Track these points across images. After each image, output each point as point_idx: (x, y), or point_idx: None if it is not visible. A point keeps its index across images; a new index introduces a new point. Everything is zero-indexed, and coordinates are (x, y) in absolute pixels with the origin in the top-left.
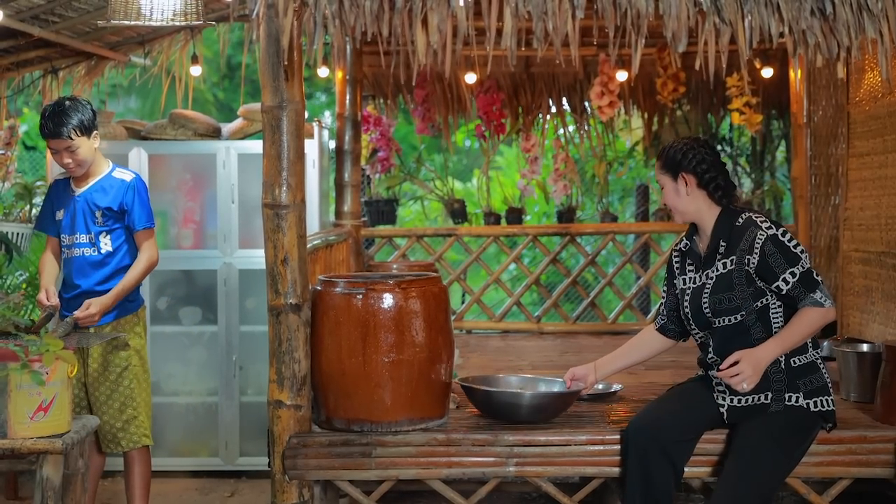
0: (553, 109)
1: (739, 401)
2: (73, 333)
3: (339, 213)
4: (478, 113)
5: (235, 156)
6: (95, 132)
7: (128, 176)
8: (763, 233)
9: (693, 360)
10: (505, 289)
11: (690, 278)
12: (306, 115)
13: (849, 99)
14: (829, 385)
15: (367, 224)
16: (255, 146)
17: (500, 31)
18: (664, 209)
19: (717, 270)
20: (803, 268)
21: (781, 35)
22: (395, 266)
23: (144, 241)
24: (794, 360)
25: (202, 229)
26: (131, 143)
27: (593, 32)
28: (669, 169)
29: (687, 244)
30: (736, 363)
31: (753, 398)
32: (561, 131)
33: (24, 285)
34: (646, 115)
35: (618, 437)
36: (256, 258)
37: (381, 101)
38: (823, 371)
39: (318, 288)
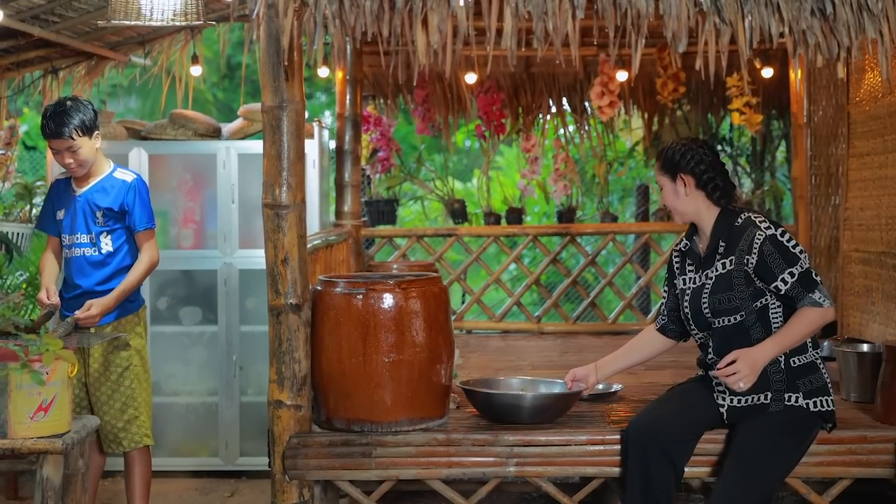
0: (553, 109)
1: (739, 401)
2: (74, 333)
3: (339, 214)
4: (478, 113)
5: (236, 156)
6: (97, 132)
7: (129, 177)
8: (762, 233)
9: (693, 361)
10: (505, 289)
11: (690, 278)
12: (306, 115)
13: (849, 99)
14: (829, 385)
15: (367, 224)
16: (256, 146)
17: (500, 31)
18: (664, 209)
19: (717, 271)
20: (802, 268)
21: (781, 35)
22: (395, 266)
23: (145, 241)
24: (793, 361)
25: (202, 229)
26: (131, 143)
27: (593, 32)
28: (668, 170)
29: (687, 244)
30: (733, 362)
31: (753, 398)
32: (561, 131)
33: (24, 285)
34: (646, 116)
35: (618, 437)
36: (257, 258)
37: (382, 101)
38: (823, 371)
39: (319, 288)
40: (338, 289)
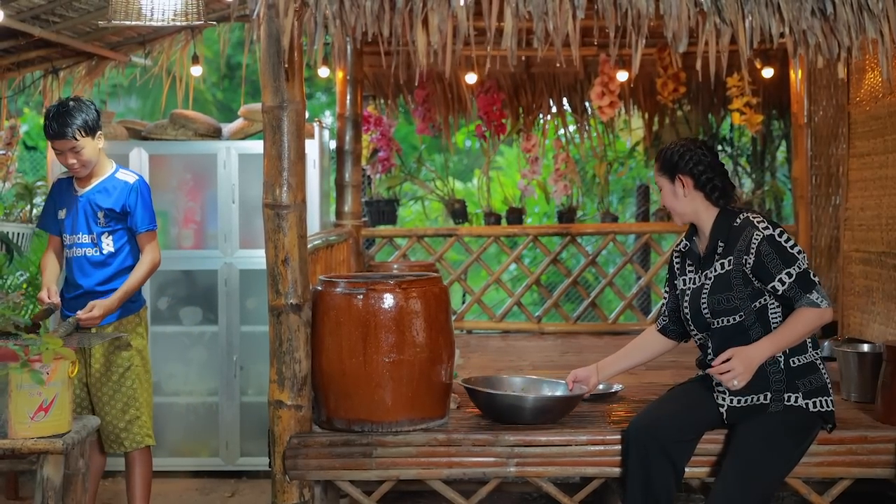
0: (553, 109)
1: (739, 401)
2: (75, 334)
3: (339, 214)
4: (478, 113)
5: (236, 156)
6: (100, 132)
7: (131, 178)
8: (759, 233)
9: (693, 361)
10: (505, 289)
11: (690, 279)
12: (307, 115)
13: (849, 99)
14: (829, 385)
15: (367, 224)
16: (256, 146)
17: (500, 32)
18: (664, 209)
19: (716, 271)
20: (799, 268)
21: (782, 35)
22: (395, 266)
23: (147, 243)
24: (793, 361)
25: (203, 229)
26: (132, 144)
27: (594, 32)
28: (667, 171)
29: (686, 245)
30: (728, 360)
31: (753, 398)
32: (561, 131)
33: (24, 285)
34: (646, 116)
35: (618, 437)
36: (257, 258)
37: (382, 101)
38: (823, 371)
39: (319, 288)
40: (338, 289)
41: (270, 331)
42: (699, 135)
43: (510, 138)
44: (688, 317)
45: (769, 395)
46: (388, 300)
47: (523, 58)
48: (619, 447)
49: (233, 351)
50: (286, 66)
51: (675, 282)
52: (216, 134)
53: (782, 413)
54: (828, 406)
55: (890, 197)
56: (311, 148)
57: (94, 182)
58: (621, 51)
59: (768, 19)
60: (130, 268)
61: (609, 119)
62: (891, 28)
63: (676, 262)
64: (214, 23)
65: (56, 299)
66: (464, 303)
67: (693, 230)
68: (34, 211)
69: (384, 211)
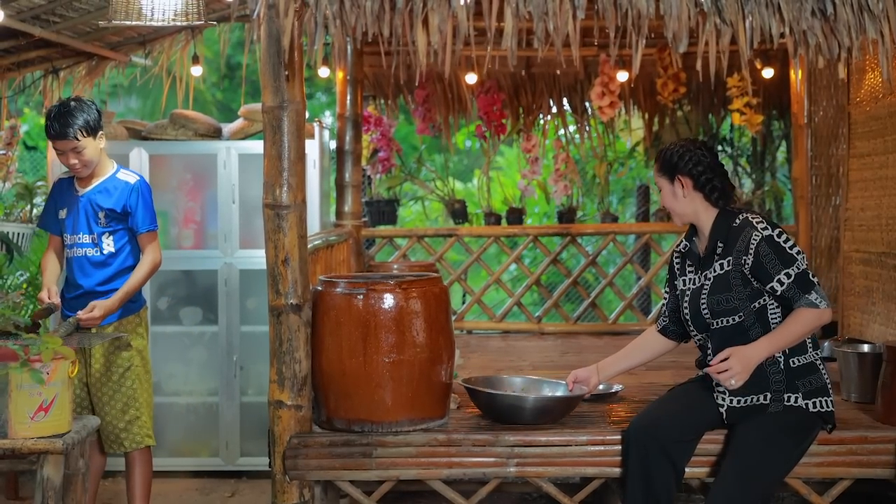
0: (554, 110)
1: (739, 401)
2: (75, 334)
3: (339, 214)
4: (478, 113)
5: (236, 156)
6: (101, 132)
7: (132, 178)
8: (758, 234)
9: (693, 361)
10: (505, 289)
11: (690, 279)
12: (307, 115)
13: (849, 99)
14: (829, 386)
15: (367, 224)
16: (256, 146)
17: (500, 32)
18: (664, 210)
19: (715, 271)
20: (798, 269)
21: (782, 35)
22: (395, 266)
23: (148, 243)
24: (793, 361)
25: (203, 229)
26: (132, 144)
27: (594, 33)
28: (666, 171)
29: (686, 245)
30: (726, 359)
31: (753, 398)
32: (561, 132)
33: (24, 285)
34: (646, 116)
35: (618, 437)
36: (257, 258)
37: (382, 101)
38: (823, 372)
39: (319, 288)
40: (338, 289)
41: (270, 331)
42: (699, 135)
43: (510, 138)
44: (687, 317)
45: (769, 396)
46: (389, 300)
47: (523, 58)
48: (619, 447)
49: (233, 351)
50: (286, 66)
51: (675, 282)
52: (216, 134)
53: (782, 413)
54: (828, 406)
55: (890, 197)
56: (312, 148)
57: (95, 182)
58: (621, 51)
59: (768, 19)
60: (131, 268)
61: (609, 119)
62: (891, 28)
63: (676, 263)
64: (214, 23)
65: (56, 299)
66: (464, 303)
67: (693, 231)
68: (34, 211)
69: (384, 211)
